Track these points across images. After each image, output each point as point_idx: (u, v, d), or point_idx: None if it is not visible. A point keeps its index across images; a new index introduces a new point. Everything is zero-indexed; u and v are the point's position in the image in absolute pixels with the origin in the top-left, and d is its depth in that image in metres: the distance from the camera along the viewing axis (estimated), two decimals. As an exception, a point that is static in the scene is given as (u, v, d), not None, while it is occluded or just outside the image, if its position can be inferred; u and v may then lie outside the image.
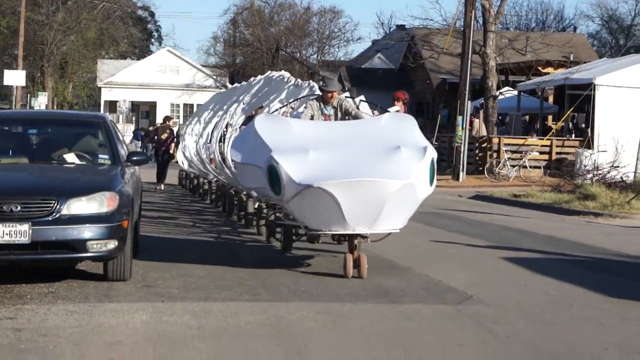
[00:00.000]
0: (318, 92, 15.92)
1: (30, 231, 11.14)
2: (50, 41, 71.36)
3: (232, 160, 16.88)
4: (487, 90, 42.21)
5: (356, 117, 14.52)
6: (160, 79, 79.87)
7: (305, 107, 14.90)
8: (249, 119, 18.64)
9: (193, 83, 79.13)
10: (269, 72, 23.93)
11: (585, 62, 46.22)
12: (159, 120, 66.91)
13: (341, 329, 9.83)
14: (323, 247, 14.97)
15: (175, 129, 35.46)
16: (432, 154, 12.88)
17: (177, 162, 32.51)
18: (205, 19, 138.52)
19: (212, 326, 9.74)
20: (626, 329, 10.22)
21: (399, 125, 13.85)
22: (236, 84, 27.52)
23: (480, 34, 43.09)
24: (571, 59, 50.76)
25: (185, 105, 79.74)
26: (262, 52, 73.75)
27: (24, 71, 56.63)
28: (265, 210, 17.81)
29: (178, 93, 79.61)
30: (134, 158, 13.79)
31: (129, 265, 12.23)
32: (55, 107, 69.31)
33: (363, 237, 12.86)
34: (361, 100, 16.32)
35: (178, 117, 76.55)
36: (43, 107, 58.70)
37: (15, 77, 53.61)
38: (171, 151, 32.85)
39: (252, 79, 24.14)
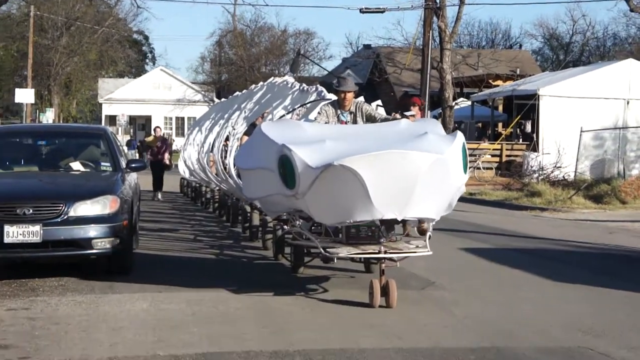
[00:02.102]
0: (328, 96, 13.48)
1: (42, 231, 11.15)
2: (55, 63, 71.35)
3: (237, 168, 14.33)
4: (444, 101, 42.25)
5: (382, 122, 11.58)
6: (155, 95, 79.76)
7: (319, 113, 11.79)
8: (252, 127, 16.01)
9: (184, 98, 79.02)
10: (272, 78, 20.26)
11: (530, 75, 46.46)
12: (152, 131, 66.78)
13: (318, 312, 9.87)
14: (341, 266, 12.56)
15: (169, 140, 31.35)
16: (462, 139, 10.32)
17: (170, 169, 29.58)
18: (193, 41, 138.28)
19: (204, 312, 9.77)
20: (568, 309, 10.31)
21: (422, 125, 11.07)
22: (237, 93, 23.70)
23: (437, 51, 43.15)
24: (517, 72, 50.97)
25: (177, 118, 79.68)
26: (245, 70, 73.62)
27: (33, 90, 56.46)
28: (271, 224, 14.47)
29: (170, 107, 79.48)
30: (133, 165, 13.85)
31: (129, 260, 12.28)
32: (61, 121, 69.01)
33: (392, 260, 10.45)
34: (378, 105, 13.82)
35: (171, 128, 76.45)
36: (50, 121, 58.60)
37: (25, 95, 53.52)
38: (165, 161, 28.71)
39: (253, 86, 20.59)
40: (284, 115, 14.25)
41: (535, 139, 35.72)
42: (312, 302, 10.27)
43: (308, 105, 14.20)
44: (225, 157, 18.10)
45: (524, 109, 37.37)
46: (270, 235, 14.50)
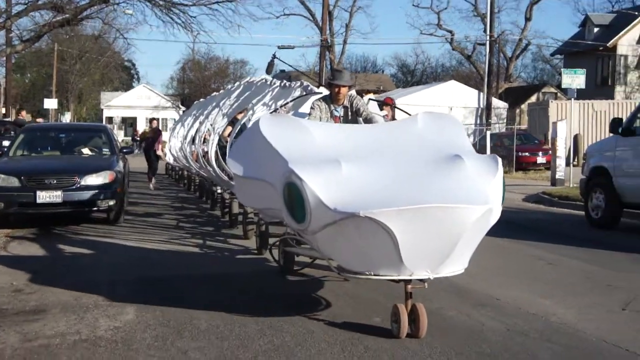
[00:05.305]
0: (317, 91, 8.85)
1: (62, 195, 10.98)
2: (71, 81, 70.01)
3: (233, 174, 7.07)
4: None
5: (367, 120, 7.23)
6: (139, 103, 78.16)
7: (312, 108, 7.35)
8: (232, 124, 11.51)
9: (159, 105, 77.45)
10: (249, 77, 14.63)
11: (389, 91, 46.89)
12: (139, 128, 65.58)
13: (264, 276, 9.76)
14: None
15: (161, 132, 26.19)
16: (501, 168, 5.61)
17: (160, 158, 23.28)
18: (165, 66, 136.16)
19: (179, 248, 9.62)
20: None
21: (443, 128, 6.35)
22: (215, 93, 18.57)
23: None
24: (381, 88, 51.47)
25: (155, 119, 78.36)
26: (200, 87, 72.52)
27: (56, 99, 55.27)
28: (252, 214, 9.73)
29: (150, 111, 77.60)
30: (125, 150, 13.82)
31: (122, 215, 12.14)
32: (75, 121, 67.33)
33: (422, 280, 5.38)
34: (370, 99, 8.63)
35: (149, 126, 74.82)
36: (68, 121, 57.37)
37: (51, 103, 52.23)
38: (158, 152, 22.37)
39: (231, 85, 15.14)
40: (273, 112, 8.19)
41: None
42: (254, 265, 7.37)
43: (292, 102, 9.06)
44: (206, 147, 13.15)
45: (384, 113, 37.72)
46: (252, 226, 9.70)
